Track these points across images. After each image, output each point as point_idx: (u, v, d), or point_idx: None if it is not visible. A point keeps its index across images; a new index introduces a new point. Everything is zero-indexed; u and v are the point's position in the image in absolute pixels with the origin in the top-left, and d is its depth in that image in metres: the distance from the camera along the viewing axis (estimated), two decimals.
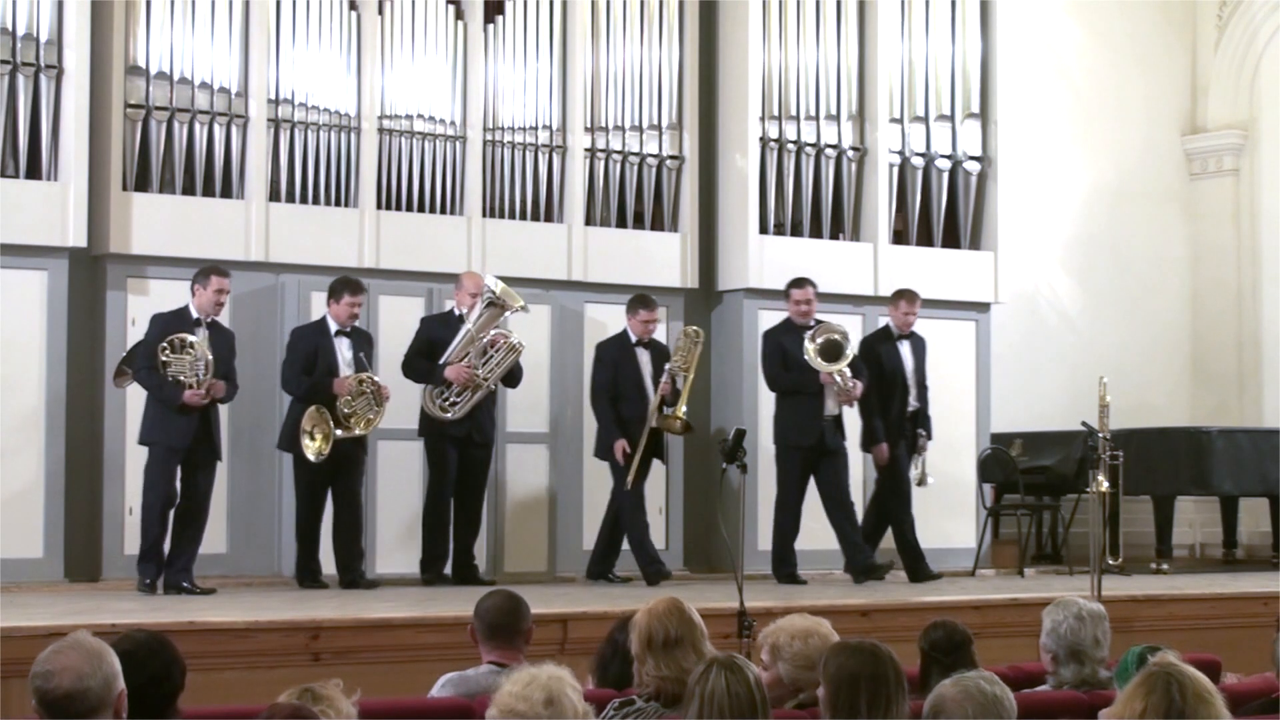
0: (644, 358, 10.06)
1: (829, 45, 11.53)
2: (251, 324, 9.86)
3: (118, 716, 3.62)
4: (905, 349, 10.45)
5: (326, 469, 9.25)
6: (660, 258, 11.00)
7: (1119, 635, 5.51)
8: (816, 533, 10.24)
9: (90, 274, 9.66)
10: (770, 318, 10.81)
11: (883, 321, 10.74)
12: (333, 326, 9.42)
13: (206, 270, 8.99)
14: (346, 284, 9.43)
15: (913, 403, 10.40)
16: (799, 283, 10.17)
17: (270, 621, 7.09)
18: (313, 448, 9.13)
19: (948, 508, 11.24)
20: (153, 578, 8.81)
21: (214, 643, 6.71)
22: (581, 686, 3.69)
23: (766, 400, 10.62)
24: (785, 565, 10.00)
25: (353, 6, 10.31)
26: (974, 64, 11.95)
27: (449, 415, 9.57)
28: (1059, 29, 13.18)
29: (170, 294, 9.71)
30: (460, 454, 9.68)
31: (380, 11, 10.36)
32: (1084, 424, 9.02)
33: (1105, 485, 8.61)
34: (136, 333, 9.62)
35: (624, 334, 10.15)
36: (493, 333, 9.63)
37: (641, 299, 10.16)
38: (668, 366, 9.96)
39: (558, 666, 3.63)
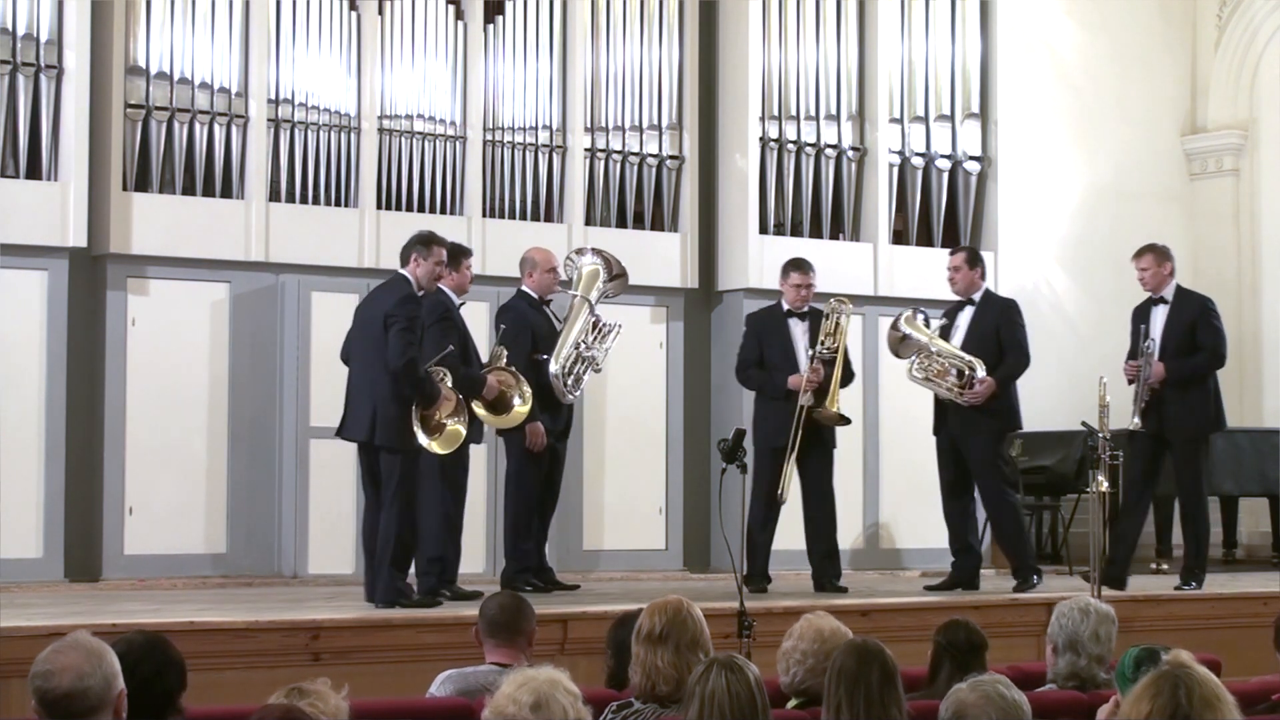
0: (798, 329, 9.22)
1: (829, 45, 11.53)
2: (251, 324, 9.86)
3: (118, 716, 3.62)
4: (1157, 314, 9.28)
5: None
6: (660, 258, 10.99)
7: (1118, 635, 5.51)
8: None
9: (90, 274, 9.65)
10: None
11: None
12: (455, 299, 8.56)
13: (427, 240, 8.17)
14: (462, 248, 8.69)
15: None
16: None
17: (270, 621, 7.09)
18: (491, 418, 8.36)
19: None
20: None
21: (214, 643, 6.71)
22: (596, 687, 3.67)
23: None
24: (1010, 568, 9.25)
25: (353, 6, 10.31)
26: (974, 64, 11.95)
27: (573, 398, 8.95)
28: (1059, 29, 13.17)
29: (170, 294, 9.72)
30: (552, 450, 8.95)
31: (380, 12, 10.36)
32: (1084, 424, 8.99)
33: (1105, 485, 8.59)
34: (136, 333, 9.64)
35: (777, 304, 9.39)
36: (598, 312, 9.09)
37: (793, 261, 9.32)
38: (810, 352, 9.06)
39: (556, 669, 3.60)
